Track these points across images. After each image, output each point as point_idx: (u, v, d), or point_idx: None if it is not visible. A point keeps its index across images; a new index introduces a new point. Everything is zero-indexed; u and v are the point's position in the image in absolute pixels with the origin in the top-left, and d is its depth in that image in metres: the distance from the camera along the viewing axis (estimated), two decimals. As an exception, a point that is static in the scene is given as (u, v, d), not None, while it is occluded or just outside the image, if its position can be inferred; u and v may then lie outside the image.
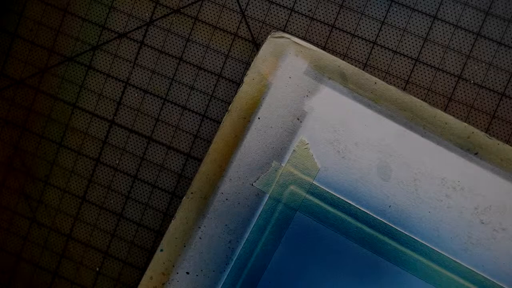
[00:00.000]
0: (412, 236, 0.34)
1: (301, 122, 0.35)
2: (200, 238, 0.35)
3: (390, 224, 0.34)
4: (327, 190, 0.35)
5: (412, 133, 0.34)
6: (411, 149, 0.34)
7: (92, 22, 0.40)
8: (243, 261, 0.35)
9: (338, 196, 0.35)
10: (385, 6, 0.38)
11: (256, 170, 0.35)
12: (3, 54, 0.41)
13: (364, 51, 0.38)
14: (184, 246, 0.36)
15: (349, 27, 0.38)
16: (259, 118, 0.35)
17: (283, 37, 0.35)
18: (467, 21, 0.37)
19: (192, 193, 0.36)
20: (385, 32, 0.38)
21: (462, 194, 0.34)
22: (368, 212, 0.34)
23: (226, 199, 0.35)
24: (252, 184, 0.35)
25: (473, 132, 0.34)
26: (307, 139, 0.35)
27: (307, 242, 0.35)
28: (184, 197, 0.36)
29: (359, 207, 0.35)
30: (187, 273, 0.36)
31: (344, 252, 0.35)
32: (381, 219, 0.34)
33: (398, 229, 0.34)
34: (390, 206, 0.34)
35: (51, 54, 0.40)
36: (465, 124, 0.34)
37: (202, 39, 0.39)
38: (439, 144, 0.34)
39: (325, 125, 0.35)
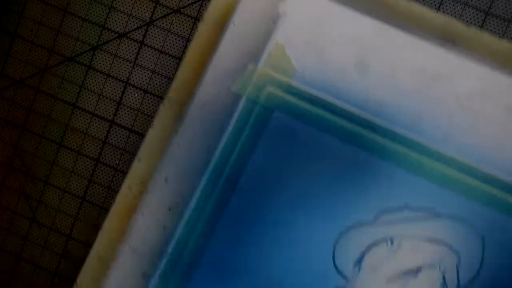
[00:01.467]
0: (392, 128, 0.34)
1: (276, 24, 0.35)
2: (178, 145, 0.35)
3: (371, 117, 0.34)
4: (304, 88, 0.35)
5: (390, 27, 0.34)
6: (388, 44, 0.34)
7: (92, 22, 0.40)
8: (222, 164, 0.35)
9: (316, 93, 0.35)
10: (385, 6, 0.38)
11: (232, 74, 0.35)
12: (3, 54, 0.41)
13: None
14: (162, 154, 0.36)
15: None
16: (233, 24, 0.35)
17: None
18: (467, 21, 0.37)
19: (168, 100, 0.36)
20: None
21: (442, 83, 0.34)
22: (348, 107, 0.34)
23: (203, 104, 0.35)
24: (229, 88, 0.35)
25: (450, 22, 0.34)
26: (283, 41, 0.35)
27: (286, 141, 0.35)
28: (161, 105, 0.36)
29: (337, 103, 0.34)
30: (166, 180, 0.36)
31: (324, 148, 0.34)
32: (361, 113, 0.34)
33: (378, 121, 0.34)
34: (369, 100, 0.34)
35: (51, 54, 0.40)
36: (443, 14, 0.34)
37: (202, 39, 0.39)
38: (417, 36, 0.34)
39: (300, 25, 0.35)
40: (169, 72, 0.39)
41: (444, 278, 0.34)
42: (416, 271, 0.34)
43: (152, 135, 0.36)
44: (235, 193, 0.35)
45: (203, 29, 0.36)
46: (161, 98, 0.39)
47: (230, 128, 0.35)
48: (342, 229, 0.34)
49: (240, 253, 0.35)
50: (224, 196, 0.35)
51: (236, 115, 0.35)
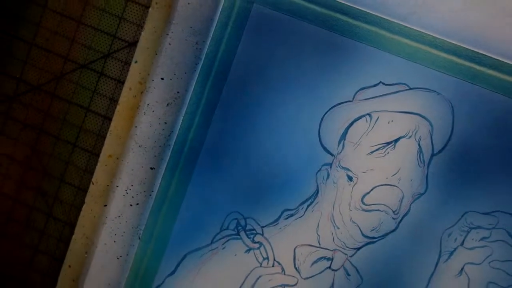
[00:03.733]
0: (361, 8, 0.35)
1: None
2: (169, 44, 0.36)
3: (342, 0, 0.35)
4: None
5: None
6: None
7: (104, 32, 0.40)
8: (211, 58, 0.36)
9: None
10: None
11: None
12: (21, 61, 0.41)
13: None
14: (156, 54, 0.36)
15: None
16: None
17: None
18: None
19: (156, 3, 0.36)
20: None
21: None
22: None
23: (188, 3, 0.36)
24: None
25: None
26: None
27: (267, 30, 0.35)
28: (150, 9, 0.36)
29: None
30: (162, 78, 0.36)
31: (302, 34, 0.35)
32: None
33: (348, 4, 0.35)
34: None
35: (66, 61, 0.41)
36: None
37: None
38: None
39: None
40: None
41: (419, 145, 0.34)
42: (394, 141, 0.34)
43: (145, 37, 0.36)
44: (227, 84, 0.35)
45: None
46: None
47: (215, 22, 0.35)
48: (325, 111, 0.35)
49: (235, 139, 0.35)
50: (217, 87, 0.35)
51: (219, 10, 0.35)
